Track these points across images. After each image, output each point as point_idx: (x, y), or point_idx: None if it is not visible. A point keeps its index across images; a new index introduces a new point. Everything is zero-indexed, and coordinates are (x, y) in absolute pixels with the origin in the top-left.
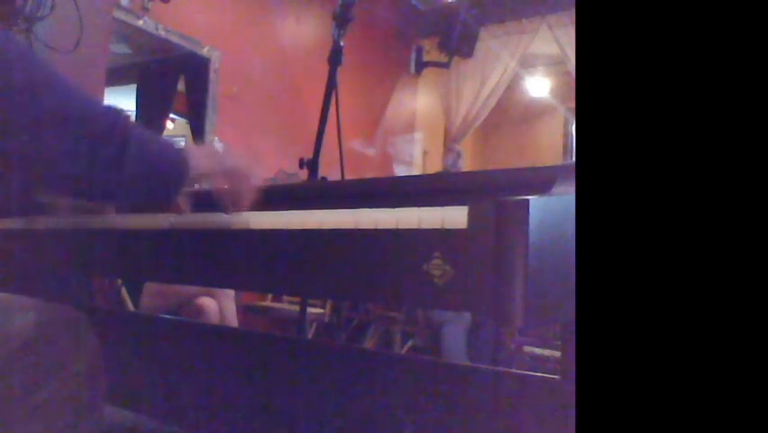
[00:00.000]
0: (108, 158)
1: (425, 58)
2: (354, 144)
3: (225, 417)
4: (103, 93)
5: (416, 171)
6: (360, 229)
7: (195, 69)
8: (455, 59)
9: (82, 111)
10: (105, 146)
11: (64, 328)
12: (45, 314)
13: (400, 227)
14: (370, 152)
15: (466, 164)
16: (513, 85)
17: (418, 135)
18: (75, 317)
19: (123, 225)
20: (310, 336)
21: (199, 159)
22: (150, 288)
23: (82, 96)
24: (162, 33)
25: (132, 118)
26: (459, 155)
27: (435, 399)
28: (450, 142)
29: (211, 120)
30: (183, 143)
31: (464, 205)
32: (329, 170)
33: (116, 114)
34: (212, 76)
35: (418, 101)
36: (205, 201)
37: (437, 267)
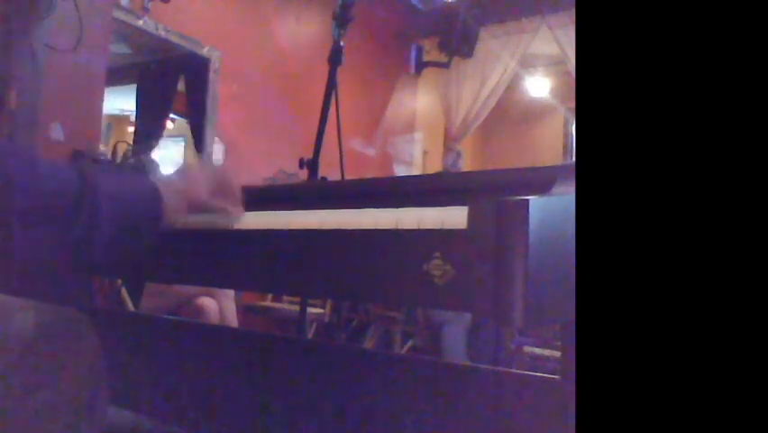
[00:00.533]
0: (81, 225)
1: (425, 58)
2: (354, 144)
3: (225, 417)
4: (103, 93)
5: (416, 171)
6: (360, 229)
7: (195, 69)
8: (455, 59)
9: (51, 185)
10: (76, 214)
11: (65, 329)
12: (46, 315)
13: (400, 227)
14: (370, 152)
15: (466, 164)
16: (513, 85)
17: (418, 135)
18: (75, 317)
19: None
20: (310, 336)
21: (174, 192)
22: (150, 288)
23: (47, 168)
24: (162, 33)
25: (134, 117)
26: (459, 155)
27: (435, 399)
28: (450, 142)
29: (211, 120)
30: (176, 166)
31: (464, 205)
32: (329, 170)
33: (80, 178)
34: (212, 76)
35: (418, 101)
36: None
37: (437, 267)
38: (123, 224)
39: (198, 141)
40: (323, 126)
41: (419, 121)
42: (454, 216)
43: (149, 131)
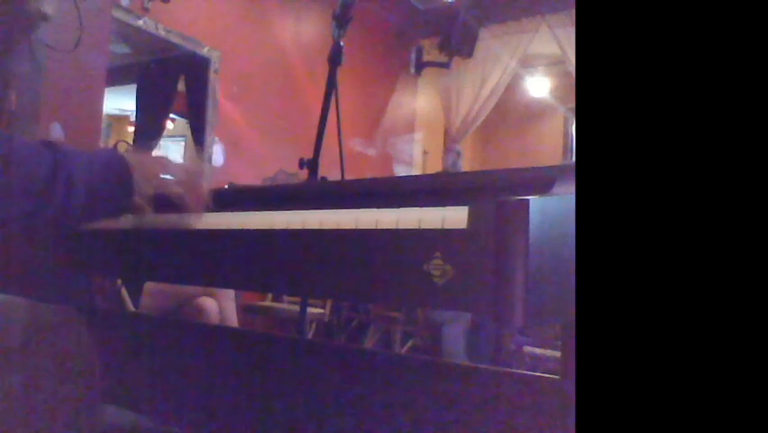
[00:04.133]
0: (56, 194)
1: (425, 58)
2: (354, 144)
3: (225, 417)
4: (103, 93)
5: (416, 171)
6: (360, 229)
7: (195, 69)
8: (455, 59)
9: (24, 159)
10: (50, 185)
11: (61, 329)
12: (42, 314)
13: (400, 227)
14: (370, 152)
15: (466, 164)
16: (513, 85)
17: (418, 135)
18: (71, 317)
19: (123, 226)
20: (310, 336)
21: (140, 174)
22: (150, 288)
23: (22, 145)
24: (162, 33)
25: (134, 117)
26: (459, 155)
27: (435, 399)
28: (450, 142)
29: (211, 120)
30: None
31: (464, 205)
32: (329, 170)
33: (52, 153)
34: (212, 76)
35: (418, 101)
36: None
37: (437, 267)
38: (95, 191)
39: (198, 141)
40: (323, 126)
41: (419, 121)
42: (454, 216)
43: (149, 131)
